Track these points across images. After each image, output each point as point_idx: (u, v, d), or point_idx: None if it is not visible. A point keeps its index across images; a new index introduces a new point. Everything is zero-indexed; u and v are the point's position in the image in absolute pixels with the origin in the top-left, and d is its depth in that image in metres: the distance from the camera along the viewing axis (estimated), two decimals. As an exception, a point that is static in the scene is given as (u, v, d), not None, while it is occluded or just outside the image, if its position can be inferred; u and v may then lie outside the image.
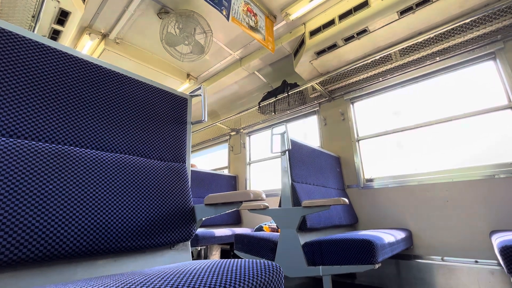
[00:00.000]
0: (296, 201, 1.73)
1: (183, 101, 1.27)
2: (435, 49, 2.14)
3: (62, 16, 1.95)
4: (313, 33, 2.35)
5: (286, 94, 2.88)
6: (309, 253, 1.52)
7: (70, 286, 0.50)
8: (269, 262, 0.67)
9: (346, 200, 1.45)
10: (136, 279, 0.51)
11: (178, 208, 1.03)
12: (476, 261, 1.79)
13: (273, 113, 3.37)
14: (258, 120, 3.59)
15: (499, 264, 1.71)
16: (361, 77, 2.55)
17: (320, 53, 2.39)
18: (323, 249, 1.47)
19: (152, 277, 0.52)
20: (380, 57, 2.27)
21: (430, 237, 2.00)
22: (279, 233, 1.74)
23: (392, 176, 2.31)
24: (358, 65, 2.31)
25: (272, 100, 3.01)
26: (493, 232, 1.68)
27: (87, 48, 2.61)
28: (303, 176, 1.95)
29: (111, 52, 2.60)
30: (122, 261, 0.86)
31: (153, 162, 1.06)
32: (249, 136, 3.81)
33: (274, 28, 2.54)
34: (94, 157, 0.88)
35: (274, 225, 2.44)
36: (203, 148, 4.63)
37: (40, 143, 0.79)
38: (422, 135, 2.28)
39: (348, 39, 2.21)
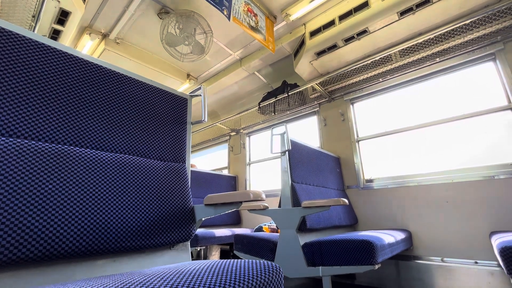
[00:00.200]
0: (296, 202, 1.73)
1: (183, 101, 1.27)
2: (435, 50, 2.15)
3: (63, 16, 1.95)
4: (313, 33, 2.35)
5: (286, 95, 2.88)
6: (309, 254, 1.52)
7: (69, 286, 0.50)
8: (269, 262, 0.67)
9: (346, 201, 1.45)
10: (135, 279, 0.51)
11: (178, 208, 1.03)
12: (476, 262, 1.79)
13: (273, 114, 3.37)
14: (258, 120, 3.59)
15: (498, 265, 1.71)
16: (361, 77, 2.56)
17: (320, 53, 2.39)
18: (323, 250, 1.47)
19: (151, 277, 0.52)
20: (380, 58, 2.27)
21: (429, 238, 2.00)
22: (278, 234, 1.74)
23: (392, 176, 2.31)
24: (358, 65, 2.32)
25: (272, 100, 3.01)
26: (493, 233, 1.68)
27: (87, 48, 2.61)
28: (303, 176, 1.95)
29: (111, 52, 2.60)
30: (122, 261, 0.86)
31: (153, 162, 1.06)
32: (249, 136, 3.81)
33: (274, 29, 2.54)
34: (93, 157, 0.88)
35: (273, 225, 2.44)
36: (203, 148, 4.63)
37: (39, 143, 0.79)
38: (422, 135, 2.28)
39: (348, 40, 2.21)
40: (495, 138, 1.95)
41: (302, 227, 1.66)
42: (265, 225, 2.47)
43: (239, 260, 0.69)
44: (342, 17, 2.17)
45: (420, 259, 2.01)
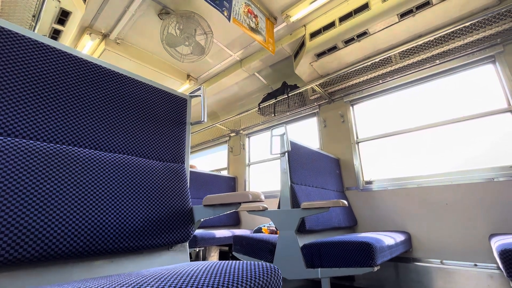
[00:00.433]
0: (295, 203, 1.73)
1: (182, 101, 1.27)
2: (435, 52, 2.15)
3: (63, 16, 1.95)
4: (314, 35, 2.35)
5: (286, 96, 2.88)
6: (308, 255, 1.51)
7: (66, 287, 0.49)
8: (267, 264, 0.67)
9: (345, 202, 1.44)
10: (132, 280, 0.51)
11: (176, 209, 1.02)
12: (475, 265, 1.78)
13: (273, 115, 3.37)
14: (257, 121, 3.59)
15: (498, 268, 1.71)
16: (361, 79, 2.56)
17: (320, 55, 2.39)
18: (322, 251, 1.46)
19: (148, 278, 0.52)
20: (380, 60, 2.27)
21: (429, 240, 1.99)
22: (277, 235, 1.74)
23: (391, 178, 2.31)
24: (358, 67, 2.32)
25: (272, 101, 3.01)
26: (492, 235, 1.67)
27: (88, 48, 2.61)
28: (303, 177, 1.95)
29: (111, 52, 2.61)
30: (119, 262, 0.86)
31: (151, 162, 1.06)
32: (248, 137, 3.80)
33: (275, 30, 2.54)
34: (92, 156, 0.88)
35: (273, 226, 2.43)
36: (202, 149, 4.63)
37: (38, 142, 0.79)
38: (421, 137, 2.28)
39: (348, 41, 2.21)
40: (495, 140, 1.95)
41: (301, 229, 1.65)
42: (264, 226, 2.47)
43: (238, 261, 0.69)
44: (342, 19, 2.17)
45: (420, 261, 2.01)
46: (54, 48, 0.91)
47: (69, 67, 0.93)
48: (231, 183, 3.56)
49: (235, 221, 3.27)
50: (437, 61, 2.22)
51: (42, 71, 0.86)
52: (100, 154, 0.91)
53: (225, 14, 1.95)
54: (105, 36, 2.56)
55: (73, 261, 0.77)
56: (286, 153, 1.86)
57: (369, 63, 2.29)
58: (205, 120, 1.26)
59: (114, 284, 0.48)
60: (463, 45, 2.06)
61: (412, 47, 2.11)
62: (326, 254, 1.44)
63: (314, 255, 1.49)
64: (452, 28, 1.87)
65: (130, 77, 1.11)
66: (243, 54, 2.90)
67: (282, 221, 1.66)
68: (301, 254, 1.53)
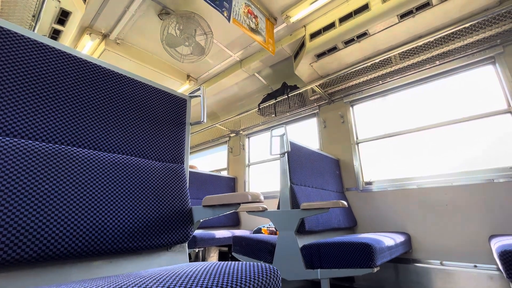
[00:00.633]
0: (295, 204, 1.73)
1: (182, 101, 1.27)
2: (434, 53, 2.15)
3: (63, 16, 1.95)
4: (314, 35, 2.35)
5: (286, 96, 2.88)
6: (307, 256, 1.51)
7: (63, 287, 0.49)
8: (267, 265, 0.66)
9: (345, 203, 1.44)
10: (130, 281, 0.50)
11: (176, 209, 1.02)
12: (475, 266, 1.78)
13: (273, 115, 3.37)
14: (257, 122, 3.59)
15: (498, 269, 1.71)
16: (361, 80, 2.56)
17: (320, 55, 2.39)
18: (322, 252, 1.46)
19: (147, 279, 0.52)
20: (380, 60, 2.27)
21: (429, 241, 1.99)
22: (277, 236, 1.74)
23: (391, 179, 2.30)
24: (358, 68, 2.32)
25: (272, 102, 3.01)
26: (492, 236, 1.67)
27: (88, 48, 2.61)
28: (302, 178, 1.95)
29: (111, 52, 2.61)
30: (118, 262, 0.86)
31: (151, 162, 1.05)
32: (248, 137, 3.80)
33: (275, 30, 2.54)
34: (91, 157, 0.88)
35: (272, 227, 2.43)
36: (202, 149, 4.63)
37: (37, 142, 0.79)
38: (421, 138, 2.28)
39: (348, 42, 2.21)
40: (495, 141, 1.95)
41: (301, 229, 1.65)
42: (263, 227, 2.46)
43: (237, 262, 0.69)
44: (343, 20, 2.17)
45: (419, 263, 2.00)
46: (54, 48, 0.91)
47: (69, 67, 0.93)
48: (230, 184, 3.55)
49: (235, 222, 3.27)
50: (437, 62, 2.22)
51: (42, 71, 0.85)
52: (99, 154, 0.91)
53: (225, 14, 1.95)
54: (105, 36, 2.56)
55: (72, 262, 0.76)
56: (286, 154, 1.86)
57: (369, 64, 2.29)
58: (205, 120, 1.26)
59: (113, 285, 0.48)
60: (463, 46, 2.06)
61: (412, 48, 2.11)
62: (325, 255, 1.44)
63: (313, 256, 1.48)
64: (452, 29, 1.87)
65: (130, 77, 1.11)
66: (243, 54, 2.90)
67: (281, 221, 1.66)
68: (301, 255, 1.53)
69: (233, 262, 0.68)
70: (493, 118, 1.97)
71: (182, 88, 3.36)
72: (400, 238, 1.78)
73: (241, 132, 3.83)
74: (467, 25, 1.83)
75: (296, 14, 2.29)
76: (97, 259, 0.82)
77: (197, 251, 2.83)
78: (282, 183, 1.83)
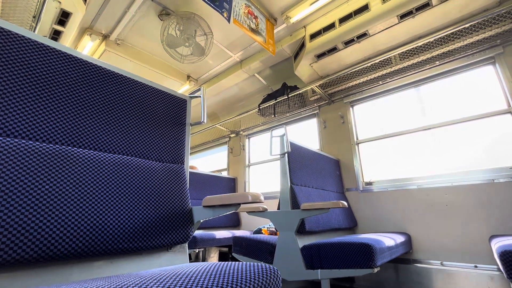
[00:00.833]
0: (295, 204, 1.73)
1: (182, 102, 1.27)
2: (434, 53, 2.15)
3: (63, 17, 1.95)
4: (314, 36, 2.36)
5: (286, 97, 2.89)
6: (308, 257, 1.51)
7: (64, 288, 0.49)
8: (267, 265, 0.66)
9: (345, 203, 1.44)
10: (131, 281, 0.51)
11: (176, 209, 1.02)
12: (476, 266, 1.78)
13: (273, 116, 3.37)
14: (257, 122, 3.59)
15: (498, 269, 1.70)
16: (361, 80, 2.56)
17: (320, 56, 2.40)
18: (322, 253, 1.46)
19: (147, 279, 0.52)
20: (380, 61, 2.28)
21: (429, 242, 1.99)
22: (277, 236, 1.74)
23: (391, 179, 2.30)
24: (358, 68, 2.32)
25: (272, 102, 3.01)
26: (492, 236, 1.67)
27: (88, 49, 2.62)
28: (302, 178, 1.95)
29: (111, 53, 2.61)
30: (119, 263, 0.86)
31: (151, 163, 1.06)
32: (248, 138, 3.80)
33: (275, 31, 2.54)
34: (91, 157, 0.88)
35: (272, 227, 2.43)
36: (202, 150, 4.63)
37: (37, 143, 0.79)
38: (421, 138, 2.28)
39: (348, 43, 2.22)
40: (495, 141, 1.95)
41: (301, 230, 1.65)
42: (264, 227, 2.46)
43: (237, 262, 0.69)
44: (342, 20, 2.17)
45: (420, 263, 2.00)
46: (54, 48, 0.91)
47: (69, 67, 0.93)
48: (231, 184, 3.55)
49: (235, 222, 3.27)
50: (437, 62, 2.22)
51: (42, 72, 0.86)
52: (100, 155, 0.91)
53: (225, 15, 1.96)
54: (105, 37, 2.57)
55: (73, 262, 0.77)
56: (286, 154, 1.86)
57: (369, 64, 2.29)
58: (205, 121, 1.26)
59: (113, 285, 0.48)
60: (463, 46, 2.06)
61: (412, 48, 2.12)
62: (326, 255, 1.44)
63: (314, 256, 1.48)
64: (452, 29, 1.87)
65: (130, 78, 1.11)
66: (243, 55, 2.90)
67: (282, 222, 1.66)
68: (301, 255, 1.53)
69: (233, 263, 0.68)
70: (493, 118, 1.97)
71: (182, 89, 3.36)
72: (400, 239, 1.77)
73: (241, 132, 3.84)
74: (467, 25, 1.83)
75: (296, 15, 2.29)
76: (98, 259, 0.82)
77: (197, 251, 2.83)
78: (282, 183, 1.83)
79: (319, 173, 2.20)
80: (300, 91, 2.76)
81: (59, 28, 2.03)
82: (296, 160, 1.95)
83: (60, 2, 1.82)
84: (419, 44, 2.01)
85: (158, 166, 1.07)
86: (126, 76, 1.10)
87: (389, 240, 1.58)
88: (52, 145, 0.82)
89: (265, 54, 2.76)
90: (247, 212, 1.78)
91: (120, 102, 1.04)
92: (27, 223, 0.67)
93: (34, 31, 1.74)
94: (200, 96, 1.29)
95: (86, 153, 0.88)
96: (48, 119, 0.83)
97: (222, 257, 3.31)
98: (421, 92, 2.37)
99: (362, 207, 2.38)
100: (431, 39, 1.97)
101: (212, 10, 2.31)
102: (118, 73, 1.07)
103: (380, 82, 2.53)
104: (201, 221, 1.06)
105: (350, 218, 2.28)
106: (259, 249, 1.79)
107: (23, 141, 0.76)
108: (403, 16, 1.93)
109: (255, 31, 2.22)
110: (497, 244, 1.21)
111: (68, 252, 0.72)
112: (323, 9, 2.29)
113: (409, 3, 1.83)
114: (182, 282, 0.50)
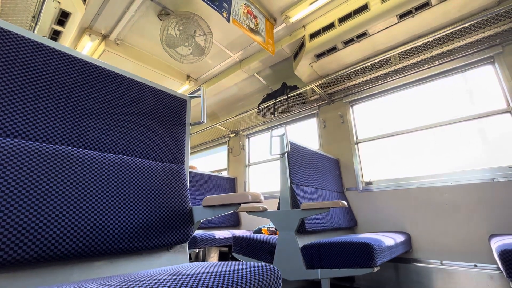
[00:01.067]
0: (295, 204, 1.73)
1: (182, 102, 1.27)
2: (434, 52, 2.15)
3: (63, 17, 1.95)
4: (313, 36, 2.36)
5: (286, 97, 2.89)
6: (308, 256, 1.51)
7: (65, 288, 0.49)
8: (267, 264, 0.67)
9: (345, 203, 1.44)
10: (131, 281, 0.51)
11: (176, 209, 1.02)
12: (475, 265, 1.78)
13: (273, 115, 3.37)
14: (257, 122, 3.59)
15: (498, 268, 1.71)
16: (361, 80, 2.56)
17: (319, 55, 2.40)
18: (322, 252, 1.46)
19: (148, 279, 0.52)
20: (380, 60, 2.28)
21: (429, 241, 1.99)
22: (277, 236, 1.74)
23: (391, 179, 2.31)
24: (358, 68, 2.32)
25: (272, 102, 3.01)
26: (492, 236, 1.68)
27: (87, 49, 2.61)
28: (302, 178, 1.95)
29: (111, 53, 2.61)
30: (119, 263, 0.86)
31: (151, 163, 1.06)
32: (248, 138, 3.80)
33: (274, 31, 2.54)
34: (91, 157, 0.88)
35: (272, 227, 2.43)
36: (202, 149, 4.63)
37: (37, 143, 0.79)
38: (421, 138, 2.28)
39: (347, 42, 2.22)
40: (494, 141, 1.95)
41: (301, 229, 1.65)
42: (264, 227, 2.46)
43: (237, 262, 0.69)
44: (342, 20, 2.18)
45: (419, 262, 2.01)
46: (54, 49, 0.91)
47: (69, 68, 0.93)
48: (231, 184, 3.55)
49: (235, 222, 3.27)
50: (437, 62, 2.23)
51: (42, 72, 0.86)
52: (100, 155, 0.91)
53: (224, 15, 1.96)
54: (104, 37, 2.56)
55: (73, 262, 0.77)
56: (286, 154, 1.86)
57: (368, 64, 2.29)
58: (205, 121, 1.26)
59: (114, 285, 0.48)
60: (462, 46, 2.06)
61: (412, 48, 2.12)
62: (326, 255, 1.44)
63: (314, 256, 1.49)
64: (451, 29, 1.88)
65: (129, 78, 1.11)
66: (242, 55, 2.90)
67: (281, 222, 1.66)
68: (301, 255, 1.53)
69: (234, 262, 0.68)
70: (492, 117, 1.97)
71: (182, 89, 3.36)
72: (400, 238, 1.78)
73: (241, 132, 3.84)
74: (466, 25, 1.84)
75: (296, 15, 2.29)
76: (98, 259, 0.82)
77: (197, 251, 2.83)
78: (282, 183, 1.83)
79: (319, 173, 2.21)
80: (300, 91, 2.76)
81: (58, 28, 2.03)
82: (296, 159, 1.95)
83: (59, 2, 1.82)
84: (419, 43, 2.02)
85: (158, 166, 1.07)
86: (125, 76, 1.10)
87: (389, 239, 1.59)
88: (52, 145, 0.82)
89: (265, 54, 2.76)
90: (247, 212, 1.78)
91: (120, 102, 1.04)
92: (28, 223, 0.67)
93: (33, 31, 1.74)
94: (199, 96, 1.29)
95: (86, 153, 0.88)
96: (48, 119, 0.83)
97: (222, 257, 3.31)
98: (421, 92, 2.37)
99: (362, 207, 2.39)
100: (431, 39, 1.97)
101: (212, 10, 2.31)
102: (117, 73, 1.07)
103: (379, 81, 2.53)
104: (201, 221, 1.06)
105: (350, 218, 2.28)
106: (259, 249, 1.79)
107: (23, 141, 0.76)
108: (402, 16, 1.93)
109: (254, 31, 2.22)
110: (496, 243, 1.21)
111: (68, 252, 0.72)
112: (323, 9, 2.29)
113: (409, 2, 1.83)
114: (183, 282, 0.50)
